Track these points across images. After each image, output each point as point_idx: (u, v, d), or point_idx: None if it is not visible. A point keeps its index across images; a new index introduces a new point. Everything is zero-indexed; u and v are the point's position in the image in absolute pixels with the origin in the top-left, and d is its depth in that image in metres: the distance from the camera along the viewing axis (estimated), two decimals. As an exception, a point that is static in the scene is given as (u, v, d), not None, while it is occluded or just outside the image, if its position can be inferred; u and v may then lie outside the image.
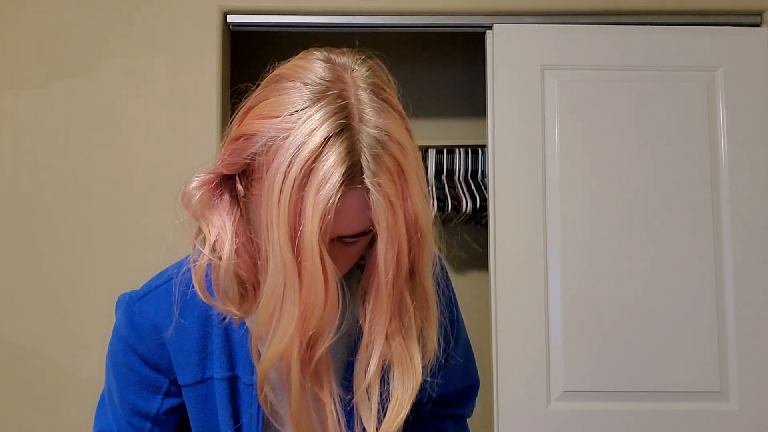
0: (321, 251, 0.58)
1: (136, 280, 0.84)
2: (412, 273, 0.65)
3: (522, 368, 1.67)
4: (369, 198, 0.59)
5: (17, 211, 1.71)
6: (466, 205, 2.07)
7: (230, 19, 1.77)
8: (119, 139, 1.73)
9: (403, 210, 0.60)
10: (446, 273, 0.84)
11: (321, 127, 0.58)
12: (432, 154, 2.19)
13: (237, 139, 0.63)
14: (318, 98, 0.60)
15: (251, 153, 0.62)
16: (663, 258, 1.69)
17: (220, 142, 0.69)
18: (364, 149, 0.58)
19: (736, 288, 1.68)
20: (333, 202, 0.57)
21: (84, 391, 1.65)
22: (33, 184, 1.72)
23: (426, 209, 0.63)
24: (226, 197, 0.67)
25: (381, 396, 0.66)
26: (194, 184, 0.67)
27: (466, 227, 2.36)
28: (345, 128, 0.58)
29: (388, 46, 2.42)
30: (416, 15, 1.78)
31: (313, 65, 0.63)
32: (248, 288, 0.69)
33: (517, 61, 1.75)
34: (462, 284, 2.33)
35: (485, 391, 1.73)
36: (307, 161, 0.57)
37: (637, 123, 1.73)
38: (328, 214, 0.57)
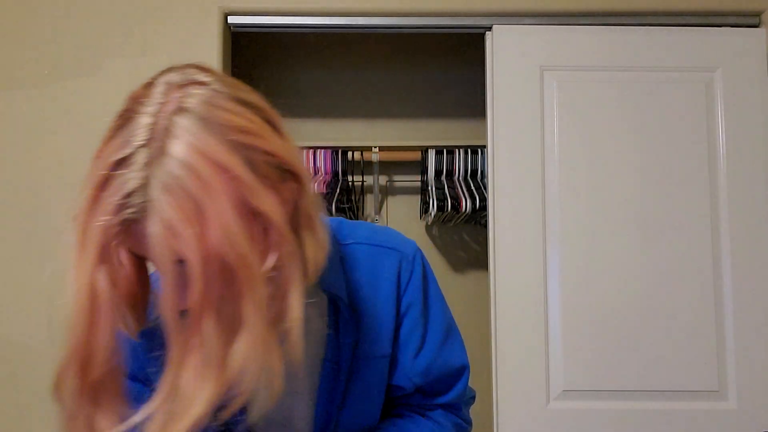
0: (91, 282, 0.58)
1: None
2: (230, 308, 0.59)
3: (521, 367, 1.68)
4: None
5: (17, 211, 1.72)
6: (466, 205, 2.08)
7: (231, 20, 1.78)
8: (120, 139, 1.73)
9: (199, 245, 0.55)
10: (418, 271, 0.83)
11: (112, 156, 0.57)
12: (432, 155, 2.20)
13: None
14: (125, 125, 0.59)
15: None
16: (661, 258, 1.69)
17: None
18: (152, 178, 0.55)
19: (735, 287, 1.69)
20: (108, 233, 0.56)
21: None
22: (33, 184, 1.72)
23: (243, 240, 0.57)
24: None
25: None
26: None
27: (465, 227, 2.37)
28: (134, 156, 0.56)
29: (389, 47, 2.43)
30: (416, 16, 1.79)
31: (147, 90, 0.62)
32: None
33: (516, 61, 1.76)
34: (462, 284, 2.34)
35: (485, 390, 1.74)
36: (93, 190, 0.57)
37: (636, 123, 1.73)
38: (101, 245, 0.57)
